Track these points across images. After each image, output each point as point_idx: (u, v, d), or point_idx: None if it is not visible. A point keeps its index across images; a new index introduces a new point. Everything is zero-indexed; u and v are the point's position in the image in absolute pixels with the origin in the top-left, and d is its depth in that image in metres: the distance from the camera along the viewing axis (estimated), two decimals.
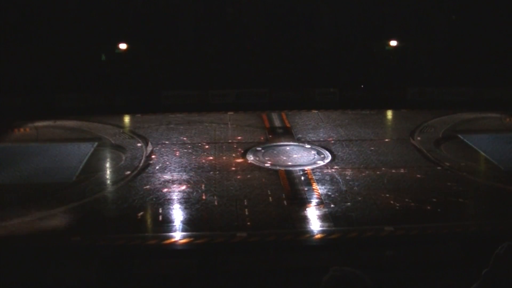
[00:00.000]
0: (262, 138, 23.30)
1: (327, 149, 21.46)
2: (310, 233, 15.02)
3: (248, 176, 18.83)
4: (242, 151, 21.33)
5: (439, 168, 19.71)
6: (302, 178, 18.58)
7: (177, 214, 15.92)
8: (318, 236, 14.74)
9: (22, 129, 24.71)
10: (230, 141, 22.85)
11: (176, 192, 17.36)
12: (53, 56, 29.71)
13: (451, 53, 31.71)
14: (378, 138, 23.19)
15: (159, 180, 18.36)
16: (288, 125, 25.39)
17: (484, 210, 16.37)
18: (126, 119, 27.12)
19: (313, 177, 18.59)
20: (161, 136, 23.45)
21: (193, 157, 20.73)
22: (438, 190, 17.56)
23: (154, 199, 16.80)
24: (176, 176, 18.74)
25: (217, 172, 19.22)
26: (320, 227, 15.17)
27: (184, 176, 18.67)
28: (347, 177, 18.55)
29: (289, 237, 14.67)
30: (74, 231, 14.74)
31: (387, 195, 17.14)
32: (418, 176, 18.89)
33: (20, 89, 28.61)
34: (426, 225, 15.15)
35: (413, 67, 32.13)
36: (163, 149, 21.65)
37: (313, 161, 20.31)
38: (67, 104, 28.62)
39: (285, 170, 19.37)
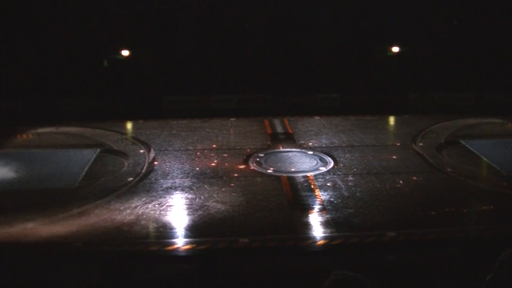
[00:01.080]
0: (264, 144, 23.31)
1: (329, 155, 21.48)
2: (312, 238, 15.02)
3: (251, 182, 18.85)
4: (245, 157, 21.35)
5: (441, 173, 19.72)
6: (305, 184, 18.59)
7: (180, 220, 15.93)
8: (320, 241, 14.74)
9: (24, 135, 24.76)
10: (232, 147, 22.88)
11: (178, 198, 17.38)
12: (55, 61, 29.81)
13: (453, 58, 31.75)
14: (380, 144, 23.19)
15: (161, 186, 18.38)
16: (290, 131, 25.41)
17: (486, 215, 16.35)
18: (128, 125, 27.16)
19: (316, 183, 18.60)
20: (163, 142, 23.49)
21: (196, 163, 20.76)
22: (440, 196, 17.56)
23: (156, 205, 16.82)
24: (178, 182, 18.76)
25: (220, 178, 19.23)
26: (322, 233, 15.17)
27: (187, 183, 18.69)
28: (349, 183, 18.56)
29: (291, 243, 14.67)
30: (76, 237, 14.76)
31: (389, 200, 17.15)
32: (420, 181, 18.89)
33: (22, 93, 28.68)
34: (428, 230, 15.15)
35: (415, 72, 32.15)
36: (165, 156, 21.68)
37: (315, 167, 20.32)
38: (69, 109, 28.71)
39: (288, 176, 19.38)
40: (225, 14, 33.90)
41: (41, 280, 12.13)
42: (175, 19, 33.08)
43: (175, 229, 15.37)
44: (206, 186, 18.38)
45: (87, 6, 31.93)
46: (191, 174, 19.56)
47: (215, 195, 17.54)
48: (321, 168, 20.14)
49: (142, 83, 30.74)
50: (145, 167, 20.26)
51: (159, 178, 19.20)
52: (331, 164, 20.53)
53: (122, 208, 16.62)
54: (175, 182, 18.73)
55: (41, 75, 29.56)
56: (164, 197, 17.40)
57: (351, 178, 19.08)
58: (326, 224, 15.56)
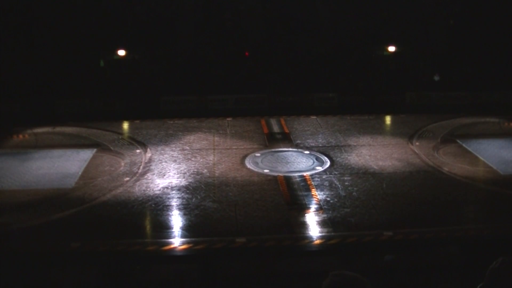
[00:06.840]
0: (261, 144, 23.30)
1: (326, 155, 21.49)
2: (309, 238, 15.04)
3: (247, 181, 18.84)
4: (241, 157, 21.34)
5: (437, 172, 19.75)
6: (301, 183, 18.60)
7: (176, 220, 15.93)
8: (317, 241, 14.76)
9: (21, 136, 24.71)
10: (229, 147, 22.87)
11: (175, 198, 17.37)
12: (52, 62, 29.74)
13: (450, 58, 31.81)
14: (376, 143, 23.20)
15: (158, 186, 18.37)
16: (287, 130, 25.41)
17: (483, 214, 16.39)
18: (125, 125, 27.13)
19: (312, 182, 18.60)
20: (160, 142, 23.45)
21: (192, 163, 20.74)
22: (436, 195, 17.60)
23: (153, 205, 16.81)
24: (175, 182, 18.75)
25: (216, 178, 19.23)
26: (319, 232, 15.19)
27: (183, 182, 18.68)
28: (346, 183, 18.57)
29: (288, 243, 14.68)
30: (73, 237, 14.74)
31: (386, 200, 17.17)
32: (417, 180, 18.91)
33: (19, 95, 28.61)
34: (425, 230, 15.18)
35: (412, 72, 32.19)
36: (162, 156, 21.66)
37: (312, 166, 20.33)
38: (66, 110, 28.65)
39: (284, 176, 19.38)
40: (222, 14, 33.87)
41: (39, 280, 12.11)
42: (173, 19, 33.03)
43: (172, 229, 15.37)
44: (202, 185, 18.38)
45: (85, 7, 31.83)
46: (188, 174, 19.54)
47: (211, 195, 17.55)
48: (317, 167, 20.14)
49: (140, 83, 30.71)
50: (141, 167, 20.24)
51: (156, 178, 19.18)
52: (328, 163, 20.54)
53: (118, 208, 16.61)
54: (171, 182, 18.72)
55: (38, 77, 29.47)
56: (161, 197, 17.40)
57: (347, 177, 19.10)
58: (323, 223, 15.58)
